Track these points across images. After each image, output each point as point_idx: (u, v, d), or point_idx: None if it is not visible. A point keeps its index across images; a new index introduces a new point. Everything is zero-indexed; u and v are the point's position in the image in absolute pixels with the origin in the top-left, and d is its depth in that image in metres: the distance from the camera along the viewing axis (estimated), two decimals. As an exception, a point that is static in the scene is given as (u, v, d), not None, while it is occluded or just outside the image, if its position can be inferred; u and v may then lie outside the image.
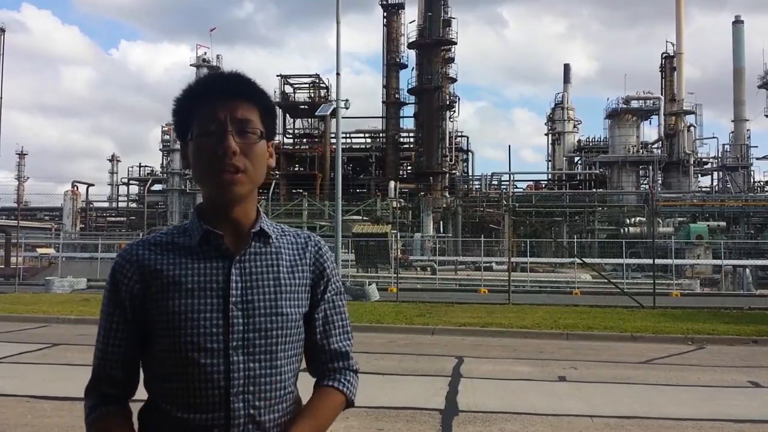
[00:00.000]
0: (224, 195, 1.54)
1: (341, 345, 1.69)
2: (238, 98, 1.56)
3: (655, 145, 56.90)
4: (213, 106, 1.54)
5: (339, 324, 1.70)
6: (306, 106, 54.99)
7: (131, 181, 61.28)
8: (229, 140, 1.51)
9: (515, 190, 52.84)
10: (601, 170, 55.08)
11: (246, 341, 1.51)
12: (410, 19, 54.84)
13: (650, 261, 25.07)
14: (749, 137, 56.69)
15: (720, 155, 56.67)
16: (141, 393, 1.63)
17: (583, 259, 28.07)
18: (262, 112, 1.59)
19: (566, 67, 66.95)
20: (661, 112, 55.59)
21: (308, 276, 1.65)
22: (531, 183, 56.87)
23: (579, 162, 60.48)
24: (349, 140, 56.50)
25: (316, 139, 56.24)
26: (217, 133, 1.52)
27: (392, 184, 47.78)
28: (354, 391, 1.70)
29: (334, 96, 26.17)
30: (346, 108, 23.06)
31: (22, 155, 75.46)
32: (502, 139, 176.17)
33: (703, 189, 55.04)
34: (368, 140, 58.71)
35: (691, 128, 54.77)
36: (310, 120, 57.19)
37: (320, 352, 1.67)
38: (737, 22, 59.48)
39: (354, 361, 1.72)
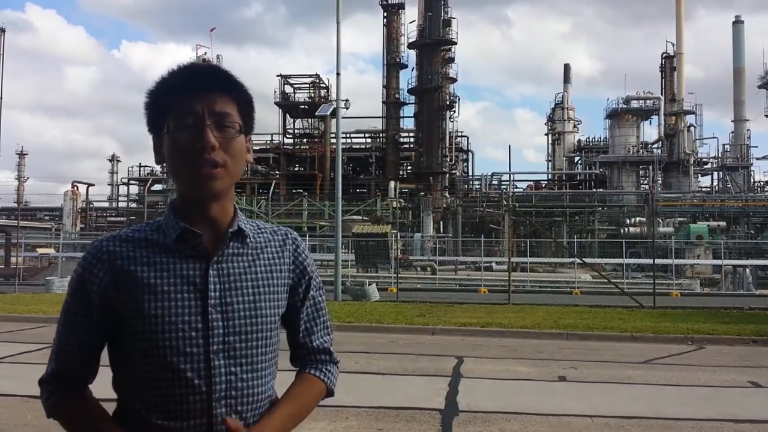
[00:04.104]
0: (202, 190, 1.49)
1: (322, 341, 1.69)
2: (216, 91, 1.51)
3: (655, 145, 56.91)
4: (190, 100, 1.48)
5: (320, 321, 1.69)
6: (306, 106, 55.03)
7: (131, 181, 61.25)
8: (207, 134, 1.46)
9: (515, 190, 52.85)
10: (601, 170, 55.10)
11: (226, 344, 1.47)
12: (410, 19, 54.96)
13: (650, 261, 25.06)
14: (749, 137, 56.70)
15: (720, 155, 56.64)
16: (107, 392, 1.59)
17: (583, 259, 28.08)
18: (240, 105, 1.54)
19: (566, 67, 66.99)
20: (661, 112, 55.64)
21: (288, 275, 1.62)
22: (531, 183, 56.86)
23: (579, 162, 60.52)
24: (349, 140, 56.50)
25: (316, 139, 56.24)
26: (195, 126, 1.47)
27: (392, 184, 47.78)
28: (335, 381, 1.71)
29: (334, 96, 26.19)
30: (346, 108, 23.12)
31: (22, 155, 75.54)
32: (505, 139, 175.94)
33: (703, 189, 55.01)
34: (368, 140, 58.72)
35: (691, 128, 54.78)
36: (310, 120, 57.20)
37: (302, 349, 1.68)
38: (737, 22, 59.49)
39: (335, 355, 1.73)
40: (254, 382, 1.51)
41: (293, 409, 1.57)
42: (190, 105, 1.48)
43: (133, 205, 61.94)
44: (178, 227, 1.50)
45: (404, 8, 55.60)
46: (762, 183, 57.38)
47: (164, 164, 1.54)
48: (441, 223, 48.27)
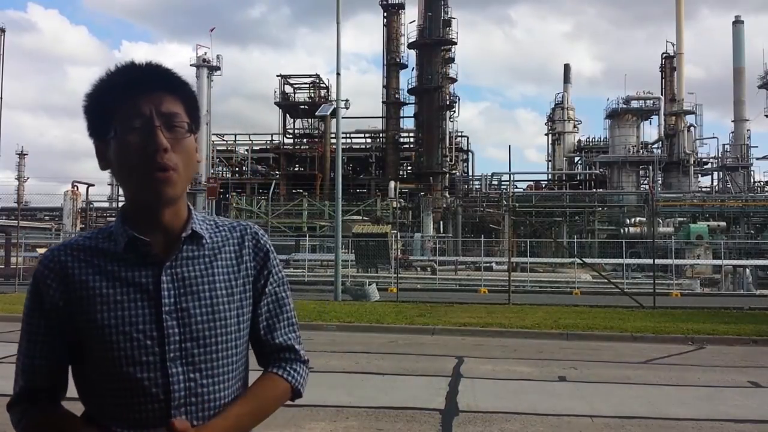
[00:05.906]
0: (156, 197, 1.42)
1: (286, 338, 1.60)
2: (161, 90, 1.44)
3: (655, 145, 56.92)
4: (135, 100, 1.42)
5: (283, 317, 1.60)
6: (306, 106, 55.07)
7: (131, 181, 61.36)
8: (158, 136, 1.39)
9: (515, 190, 52.88)
10: (601, 170, 55.12)
11: (184, 351, 1.43)
12: (410, 19, 54.97)
13: (650, 261, 25.06)
14: (749, 137, 56.70)
15: (720, 155, 56.65)
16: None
17: (583, 259, 28.07)
18: (186, 104, 1.48)
19: (566, 67, 66.96)
20: (661, 112, 55.65)
21: (249, 273, 1.56)
22: (531, 183, 56.89)
23: (579, 162, 60.54)
24: (349, 140, 56.56)
25: (316, 139, 56.27)
26: (144, 129, 1.40)
27: (392, 184, 47.77)
28: (301, 381, 1.61)
29: (334, 96, 26.18)
30: (346, 108, 23.08)
31: (22, 155, 75.54)
32: (507, 139, 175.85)
33: (703, 189, 54.98)
34: (368, 140, 58.79)
35: (691, 128, 54.77)
36: (310, 120, 57.23)
37: (265, 347, 1.59)
38: (737, 22, 59.46)
39: (303, 353, 1.63)
40: (216, 387, 1.46)
41: (250, 408, 1.50)
42: (137, 106, 1.42)
43: (133, 205, 61.93)
44: (126, 235, 1.45)
45: (404, 8, 55.69)
46: (762, 183, 57.40)
47: (110, 170, 1.48)
48: (441, 223, 48.28)
